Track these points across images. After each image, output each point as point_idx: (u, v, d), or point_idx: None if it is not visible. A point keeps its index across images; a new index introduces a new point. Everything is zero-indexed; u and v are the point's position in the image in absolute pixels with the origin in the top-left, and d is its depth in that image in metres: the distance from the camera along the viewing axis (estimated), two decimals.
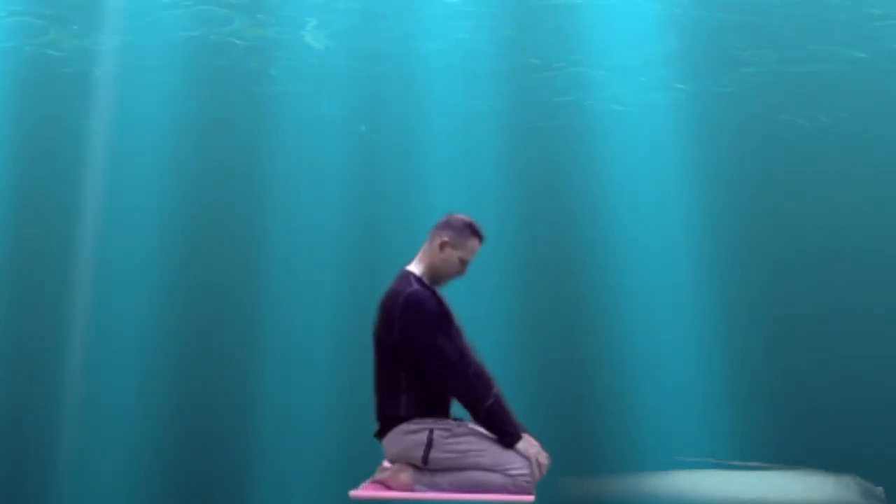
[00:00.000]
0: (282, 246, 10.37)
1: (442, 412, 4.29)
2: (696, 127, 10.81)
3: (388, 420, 4.26)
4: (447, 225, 4.43)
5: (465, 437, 4.22)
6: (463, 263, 4.43)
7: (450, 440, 4.20)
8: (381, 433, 4.32)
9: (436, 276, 4.41)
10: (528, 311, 10.20)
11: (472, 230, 4.43)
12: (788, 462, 9.25)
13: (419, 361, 4.20)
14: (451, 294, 4.57)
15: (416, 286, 4.25)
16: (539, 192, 10.76)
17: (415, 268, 4.43)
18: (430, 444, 4.18)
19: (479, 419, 4.20)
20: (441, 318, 4.22)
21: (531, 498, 4.16)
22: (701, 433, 9.69)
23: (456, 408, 4.30)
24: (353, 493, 4.19)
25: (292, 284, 10.21)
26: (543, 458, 4.25)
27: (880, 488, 8.82)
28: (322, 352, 9.77)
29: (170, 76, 10.71)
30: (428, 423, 4.22)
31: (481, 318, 9.87)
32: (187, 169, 10.45)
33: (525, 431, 4.30)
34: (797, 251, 10.31)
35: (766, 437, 9.64)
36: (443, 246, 4.40)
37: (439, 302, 4.30)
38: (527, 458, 4.21)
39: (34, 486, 9.45)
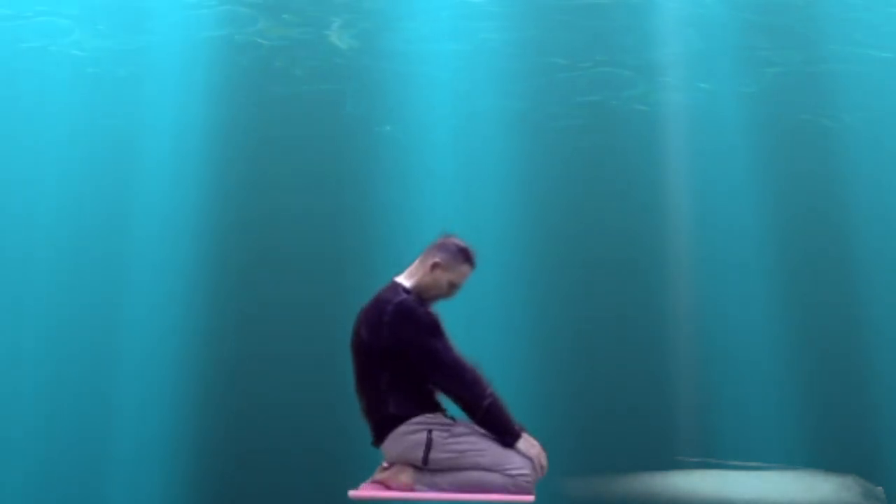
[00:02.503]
0: (302, 245, 10.42)
1: (433, 406, 4.30)
2: (719, 127, 10.75)
3: (382, 422, 4.27)
4: (442, 247, 4.44)
5: (464, 437, 4.23)
6: (451, 287, 4.44)
7: (449, 440, 4.21)
8: (378, 438, 4.32)
9: (423, 294, 4.41)
10: (531, 310, 10.19)
11: (466, 256, 4.44)
12: (792, 462, 9.20)
13: (410, 365, 4.20)
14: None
15: (404, 295, 4.28)
16: (562, 191, 10.74)
17: (404, 281, 4.44)
18: (429, 445, 4.19)
19: (477, 420, 4.21)
20: (433, 324, 4.24)
21: (531, 498, 4.17)
22: (701, 433, 9.65)
23: (454, 408, 4.31)
24: (353, 493, 4.21)
25: (307, 282, 10.25)
26: (543, 458, 4.26)
27: (880, 488, 8.75)
28: (325, 350, 9.81)
29: (194, 76, 10.78)
30: (427, 423, 4.23)
31: (486, 317, 9.86)
32: (211, 169, 10.53)
33: (524, 431, 4.30)
34: (817, 252, 10.24)
35: (766, 437, 9.59)
36: (434, 267, 4.41)
37: (428, 310, 4.31)
38: (527, 457, 4.22)
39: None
